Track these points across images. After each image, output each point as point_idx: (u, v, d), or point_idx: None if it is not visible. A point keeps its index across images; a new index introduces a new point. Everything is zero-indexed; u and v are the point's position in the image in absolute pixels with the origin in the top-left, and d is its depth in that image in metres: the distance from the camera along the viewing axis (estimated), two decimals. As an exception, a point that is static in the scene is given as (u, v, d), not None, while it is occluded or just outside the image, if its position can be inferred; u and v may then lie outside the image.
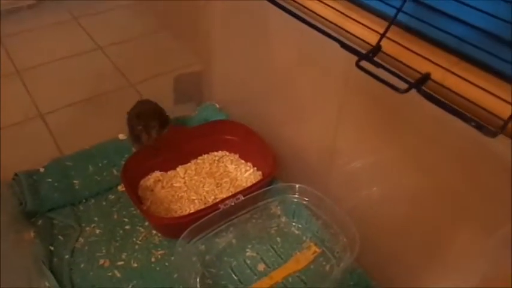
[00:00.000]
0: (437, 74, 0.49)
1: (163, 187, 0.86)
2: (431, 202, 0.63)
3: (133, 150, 0.87)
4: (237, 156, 0.93)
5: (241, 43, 0.93)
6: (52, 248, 0.74)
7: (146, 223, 0.79)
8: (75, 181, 0.85)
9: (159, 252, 0.75)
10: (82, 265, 0.73)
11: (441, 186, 0.60)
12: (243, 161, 0.92)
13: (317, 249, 0.76)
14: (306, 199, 0.79)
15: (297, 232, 0.79)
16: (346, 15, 0.56)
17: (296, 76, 0.80)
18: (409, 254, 0.70)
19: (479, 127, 0.40)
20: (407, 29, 0.54)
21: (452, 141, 0.55)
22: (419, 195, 0.64)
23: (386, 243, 0.73)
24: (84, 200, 0.82)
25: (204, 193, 0.85)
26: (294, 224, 0.81)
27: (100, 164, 0.89)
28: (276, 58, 0.84)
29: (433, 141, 0.58)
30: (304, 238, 0.78)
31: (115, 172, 0.87)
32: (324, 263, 0.75)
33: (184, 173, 0.89)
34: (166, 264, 0.74)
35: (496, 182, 0.51)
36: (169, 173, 0.89)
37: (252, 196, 0.79)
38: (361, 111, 0.69)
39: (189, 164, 0.91)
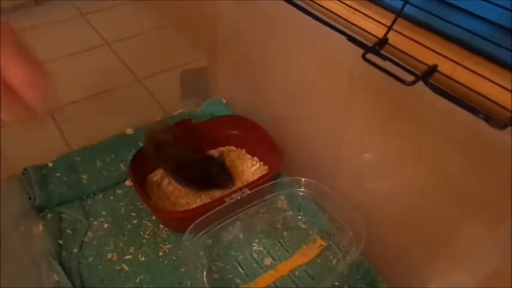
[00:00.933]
0: (445, 67, 0.49)
1: (170, 182, 0.86)
2: (439, 196, 0.62)
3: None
4: (243, 151, 0.93)
5: (247, 37, 0.93)
6: (61, 242, 0.75)
7: (153, 218, 0.80)
8: (83, 176, 0.85)
9: (167, 246, 0.76)
10: (90, 259, 0.73)
11: (449, 180, 0.60)
12: (249, 156, 0.92)
13: (323, 243, 0.76)
14: (312, 193, 0.79)
15: (303, 226, 0.79)
16: (354, 9, 0.56)
17: (303, 70, 0.80)
18: (415, 247, 0.70)
19: (487, 119, 0.40)
20: (416, 21, 0.53)
21: (460, 135, 0.55)
22: (427, 189, 0.64)
23: (393, 237, 0.73)
24: (92, 195, 0.83)
25: (211, 187, 0.85)
26: (300, 217, 0.81)
27: (108, 159, 0.89)
28: (282, 52, 0.84)
29: (441, 135, 0.58)
30: (310, 232, 0.78)
31: (122, 167, 0.88)
32: (331, 257, 0.75)
33: (191, 168, 0.89)
34: (174, 258, 0.74)
35: (505, 175, 0.50)
36: (176, 168, 0.89)
37: (258, 190, 0.79)
38: (368, 105, 0.68)
39: (195, 159, 0.91)
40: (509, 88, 0.44)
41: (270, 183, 0.79)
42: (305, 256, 0.74)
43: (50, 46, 1.47)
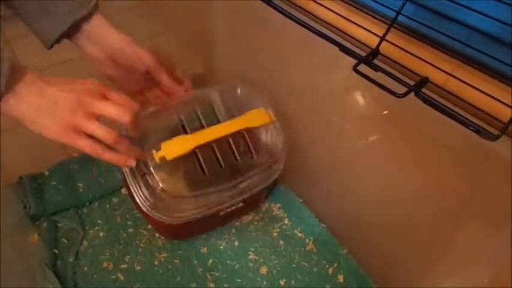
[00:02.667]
0: (438, 77, 0.49)
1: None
2: (435, 203, 0.62)
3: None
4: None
5: (243, 45, 0.93)
6: (56, 251, 0.75)
7: (149, 226, 0.80)
8: (79, 184, 0.85)
9: (162, 255, 0.75)
10: (86, 268, 0.73)
11: (445, 187, 0.60)
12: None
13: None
14: (309, 201, 0.78)
15: (299, 235, 0.79)
16: (348, 19, 0.56)
17: (300, 76, 0.80)
18: (412, 254, 0.69)
19: (478, 132, 0.40)
20: (409, 30, 0.53)
21: (456, 142, 0.55)
22: (424, 196, 0.64)
23: (390, 244, 0.72)
24: (88, 203, 0.83)
25: (207, 196, 0.85)
26: (296, 226, 0.80)
27: (104, 167, 0.89)
28: (279, 60, 0.84)
29: (438, 141, 0.58)
30: (306, 241, 0.78)
31: (118, 175, 0.88)
32: (327, 266, 0.74)
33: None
34: (169, 267, 0.74)
35: (503, 182, 0.50)
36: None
37: (254, 199, 0.79)
38: (364, 111, 0.68)
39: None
40: (502, 99, 0.44)
41: (267, 191, 0.79)
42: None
43: (50, 52, 1.46)
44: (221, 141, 0.67)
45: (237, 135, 0.69)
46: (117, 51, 0.62)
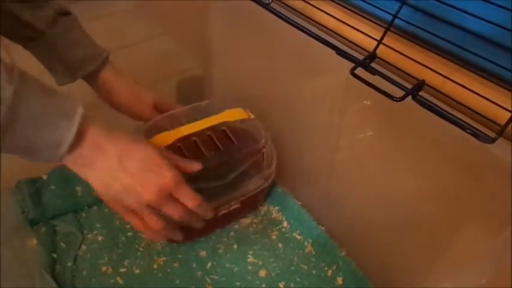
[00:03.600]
0: (435, 80, 0.49)
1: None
2: (433, 205, 0.62)
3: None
4: (238, 161, 0.93)
5: (242, 48, 0.93)
6: (55, 256, 0.75)
7: (148, 229, 0.80)
8: (77, 188, 0.85)
9: (161, 259, 0.75)
10: (84, 272, 0.73)
11: (444, 189, 0.60)
12: (244, 166, 0.92)
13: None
14: (308, 204, 0.78)
15: (298, 237, 0.79)
16: (345, 23, 0.56)
17: (297, 79, 0.80)
18: (411, 257, 0.69)
19: (475, 135, 0.40)
20: (407, 33, 0.54)
21: (454, 144, 0.55)
22: (423, 198, 0.64)
23: (389, 246, 0.72)
24: (86, 207, 0.83)
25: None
26: (295, 229, 0.80)
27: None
28: (277, 62, 0.84)
29: (436, 145, 0.58)
30: (305, 243, 0.78)
31: (117, 178, 0.88)
32: (326, 268, 0.75)
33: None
34: (168, 270, 0.74)
35: (500, 184, 0.50)
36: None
37: (252, 201, 0.79)
38: (363, 114, 0.68)
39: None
40: (499, 101, 0.44)
41: (265, 194, 0.79)
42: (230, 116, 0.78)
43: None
44: (202, 135, 0.74)
45: (217, 131, 0.75)
46: (122, 107, 0.73)
